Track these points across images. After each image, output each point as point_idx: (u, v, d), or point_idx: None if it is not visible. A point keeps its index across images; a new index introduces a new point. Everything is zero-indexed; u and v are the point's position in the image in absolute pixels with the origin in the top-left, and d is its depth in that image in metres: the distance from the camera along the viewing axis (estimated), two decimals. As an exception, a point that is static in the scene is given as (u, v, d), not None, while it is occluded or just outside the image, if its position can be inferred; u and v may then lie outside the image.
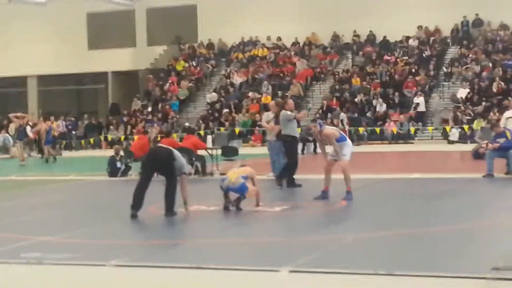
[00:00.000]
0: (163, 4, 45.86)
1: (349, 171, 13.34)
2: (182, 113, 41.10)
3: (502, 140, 16.84)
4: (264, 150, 20.87)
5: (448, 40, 41.30)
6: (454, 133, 33.39)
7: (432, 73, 38.63)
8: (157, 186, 12.16)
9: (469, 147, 25.73)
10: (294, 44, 43.67)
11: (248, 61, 43.53)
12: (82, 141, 39.73)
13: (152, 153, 12.75)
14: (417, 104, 35.77)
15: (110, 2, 44.12)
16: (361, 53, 41.66)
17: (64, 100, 48.70)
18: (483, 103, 34.63)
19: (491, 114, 31.26)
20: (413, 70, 38.70)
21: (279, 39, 44.02)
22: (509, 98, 33.14)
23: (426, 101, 36.48)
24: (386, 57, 40.54)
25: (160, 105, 41.28)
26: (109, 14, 47.16)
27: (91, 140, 39.64)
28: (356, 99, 37.55)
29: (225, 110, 38.84)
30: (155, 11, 46.83)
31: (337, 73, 40.46)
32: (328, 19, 42.16)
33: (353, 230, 10.31)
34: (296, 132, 16.72)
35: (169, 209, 11.93)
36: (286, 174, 16.20)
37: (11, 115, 31.80)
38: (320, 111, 36.83)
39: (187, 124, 35.99)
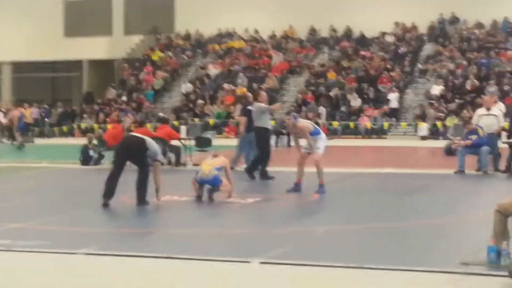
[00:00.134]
0: (140, -7, 45.73)
1: (322, 164, 13.40)
2: (157, 103, 40.96)
3: (474, 137, 16.98)
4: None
5: (424, 37, 41.54)
6: (423, 129, 33.63)
7: (407, 69, 38.82)
8: (129, 175, 12.12)
9: (441, 143, 25.91)
10: (271, 37, 43.67)
11: (224, 53, 43.47)
12: (55, 129, 39.48)
13: (125, 141, 12.67)
14: (388, 100, 35.95)
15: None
16: (337, 47, 41.75)
17: (38, 87, 48.28)
18: (457, 100, 34.88)
19: (465, 111, 31.48)
20: (389, 66, 38.87)
21: (256, 31, 43.99)
22: (482, 96, 33.36)
23: (401, 97, 36.68)
24: (362, 52, 40.68)
25: (135, 95, 41.10)
26: (86, 2, 46.94)
27: (64, 128, 39.40)
28: (331, 93, 37.63)
29: (200, 101, 38.78)
30: (132, 0, 46.62)
31: (313, 67, 40.53)
32: (305, 13, 42.22)
33: (325, 223, 10.35)
34: (269, 124, 16.76)
35: (141, 198, 11.90)
36: (256, 167, 16.21)
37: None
38: (295, 104, 36.89)
39: (161, 114, 35.85)
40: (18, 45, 46.44)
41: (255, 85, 37.28)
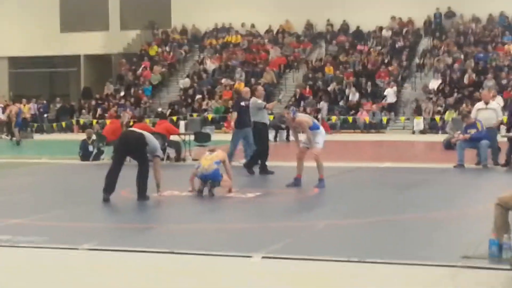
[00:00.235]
0: (137, -12, 45.65)
1: (321, 159, 13.41)
2: (155, 98, 40.93)
3: (473, 131, 17.00)
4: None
5: (421, 32, 41.54)
6: (419, 124, 33.64)
7: (404, 63, 38.82)
8: (129, 170, 12.12)
9: (440, 137, 25.93)
10: (267, 31, 43.64)
11: (221, 47, 43.43)
12: (54, 125, 39.44)
13: (124, 137, 12.63)
14: (385, 96, 35.90)
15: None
16: (334, 42, 41.74)
17: (36, 82, 48.20)
18: (455, 95, 34.90)
19: (464, 105, 31.50)
20: (386, 61, 38.89)
21: (252, 26, 43.95)
22: (480, 90, 33.40)
23: (399, 91, 36.69)
24: (359, 47, 40.67)
25: (132, 90, 41.06)
26: (83, -3, 46.83)
27: (63, 123, 39.36)
28: (329, 88, 37.63)
29: (198, 96, 38.76)
30: (129, -5, 46.56)
31: (310, 62, 40.52)
32: (302, 7, 42.18)
33: (325, 217, 10.37)
34: (267, 119, 16.76)
35: (142, 193, 11.90)
36: (255, 162, 16.21)
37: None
38: (293, 99, 36.88)
39: (160, 109, 35.91)
40: (15, 40, 46.34)
41: (253, 80, 37.31)
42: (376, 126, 34.86)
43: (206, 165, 12.41)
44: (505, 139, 17.33)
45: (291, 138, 20.19)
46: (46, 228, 9.72)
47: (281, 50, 41.81)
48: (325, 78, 38.60)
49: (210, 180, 12.39)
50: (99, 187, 11.95)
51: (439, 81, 36.17)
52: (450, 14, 41.14)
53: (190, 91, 39.66)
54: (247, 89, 18.61)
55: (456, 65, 37.00)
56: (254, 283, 6.98)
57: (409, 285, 6.77)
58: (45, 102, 41.56)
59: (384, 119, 35.05)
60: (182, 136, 20.88)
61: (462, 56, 37.79)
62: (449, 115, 32.61)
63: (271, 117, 19.40)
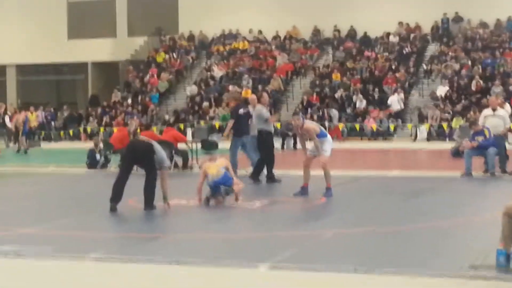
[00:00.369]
0: (144, -6, 45.78)
1: (329, 167, 13.39)
2: (162, 105, 40.93)
3: (480, 138, 16.92)
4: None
5: (428, 37, 41.47)
6: (422, 131, 33.53)
7: (412, 70, 38.74)
8: (136, 179, 12.13)
9: (447, 145, 25.85)
10: (275, 37, 43.65)
11: (228, 54, 43.44)
12: (61, 133, 39.45)
13: (131, 145, 12.66)
14: (389, 105, 35.72)
15: (91, -8, 43.93)
16: (341, 48, 41.70)
17: (43, 90, 48.30)
18: (462, 101, 34.79)
19: (471, 112, 31.41)
20: (393, 67, 38.81)
21: (260, 32, 43.97)
22: (488, 96, 33.30)
23: (406, 98, 36.59)
24: (366, 53, 40.61)
25: (140, 97, 41.07)
26: (90, 4, 46.89)
27: (70, 131, 39.35)
28: (336, 95, 37.58)
29: (205, 103, 38.74)
30: (136, 2, 46.61)
31: (318, 68, 40.49)
32: (309, 13, 42.18)
33: (333, 226, 10.35)
34: (271, 126, 16.73)
35: (149, 202, 11.90)
36: (260, 170, 16.18)
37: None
38: (300, 105, 36.83)
39: (167, 116, 35.92)
40: (22, 48, 46.44)
41: (260, 87, 37.29)
42: (383, 134, 34.76)
43: (214, 172, 12.42)
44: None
45: (298, 146, 20.13)
46: (54, 237, 9.74)
47: (288, 56, 41.79)
48: (332, 84, 38.53)
49: (223, 185, 12.39)
50: (106, 195, 11.96)
51: (447, 88, 36.06)
52: (458, 19, 41.05)
53: (197, 98, 39.64)
54: (254, 96, 18.48)
55: (463, 71, 36.90)
56: (261, 294, 6.98)
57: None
58: (52, 110, 41.56)
59: (392, 126, 34.96)
60: (189, 144, 20.87)
61: (469, 62, 37.68)
62: (457, 122, 32.51)
63: (278, 124, 19.36)
